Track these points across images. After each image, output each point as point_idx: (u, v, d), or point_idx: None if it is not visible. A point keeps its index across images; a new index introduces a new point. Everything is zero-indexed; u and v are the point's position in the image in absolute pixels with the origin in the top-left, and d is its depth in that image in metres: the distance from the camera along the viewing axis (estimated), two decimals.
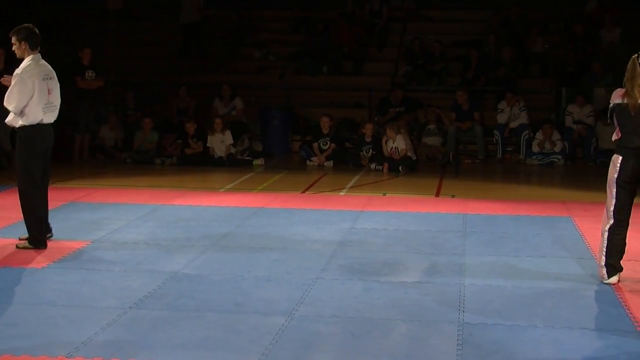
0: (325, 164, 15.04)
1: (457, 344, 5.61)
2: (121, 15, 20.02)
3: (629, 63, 6.93)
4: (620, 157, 6.90)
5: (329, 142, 15.28)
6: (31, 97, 7.97)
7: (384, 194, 11.95)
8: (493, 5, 19.26)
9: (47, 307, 6.37)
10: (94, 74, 15.37)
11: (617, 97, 7.00)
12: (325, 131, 15.42)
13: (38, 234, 8.19)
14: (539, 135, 15.42)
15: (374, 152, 14.86)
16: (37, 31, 8.16)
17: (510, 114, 15.99)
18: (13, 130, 13.59)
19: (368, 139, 15.12)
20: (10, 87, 7.99)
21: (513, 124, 15.93)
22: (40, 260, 7.70)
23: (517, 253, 8.13)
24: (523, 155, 15.65)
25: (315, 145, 15.33)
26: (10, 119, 8.11)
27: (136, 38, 19.68)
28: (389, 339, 5.77)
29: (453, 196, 11.66)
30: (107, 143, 16.02)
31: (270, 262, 7.78)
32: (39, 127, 8.09)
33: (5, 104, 8.00)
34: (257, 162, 15.11)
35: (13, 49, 8.12)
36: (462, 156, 15.76)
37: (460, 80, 17.43)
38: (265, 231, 9.10)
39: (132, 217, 9.74)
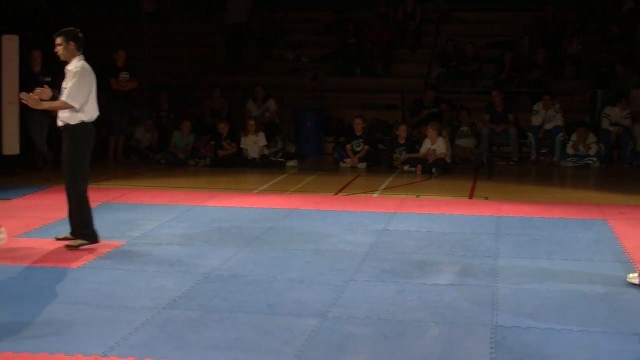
0: (358, 165, 15.03)
1: (491, 347, 5.58)
2: (156, 17, 20.17)
3: None
4: None
5: (362, 144, 15.27)
6: (90, 93, 8.13)
7: (418, 196, 11.92)
8: (527, 6, 19.15)
9: (82, 306, 6.43)
10: (128, 76, 15.48)
11: None
12: (358, 133, 15.40)
13: (93, 228, 8.29)
14: (574, 138, 15.30)
15: (407, 154, 14.82)
16: (82, 36, 8.24)
17: (546, 116, 15.88)
18: (50, 132, 13.77)
19: (402, 141, 15.08)
20: (69, 86, 8.04)
21: (548, 126, 15.82)
22: (75, 260, 7.76)
23: (551, 256, 8.07)
24: (558, 158, 15.54)
25: (348, 147, 15.32)
26: (66, 116, 8.13)
27: (170, 40, 19.80)
28: (421, 342, 5.75)
29: (487, 198, 11.61)
30: (142, 145, 16.13)
31: (303, 263, 7.79)
32: (91, 124, 8.24)
33: (68, 101, 8.02)
34: (290, 163, 15.13)
35: (57, 50, 8.16)
36: (496, 158, 15.68)
37: (494, 82, 17.34)
38: (299, 233, 9.10)
39: (167, 218, 9.80)
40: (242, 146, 15.24)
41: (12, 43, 12.96)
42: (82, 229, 8.28)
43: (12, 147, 13.19)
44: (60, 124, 8.22)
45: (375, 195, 12.00)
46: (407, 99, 17.44)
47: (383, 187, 12.80)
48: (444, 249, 8.39)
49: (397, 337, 5.79)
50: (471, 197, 11.89)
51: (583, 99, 17.29)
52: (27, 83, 13.31)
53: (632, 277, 7.14)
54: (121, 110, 15.57)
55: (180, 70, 18.86)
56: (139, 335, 5.77)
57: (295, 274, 7.39)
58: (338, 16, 19.74)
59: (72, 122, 8.14)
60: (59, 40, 8.15)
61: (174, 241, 8.64)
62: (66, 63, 8.22)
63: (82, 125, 8.16)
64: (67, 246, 8.20)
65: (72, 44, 8.15)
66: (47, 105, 8.22)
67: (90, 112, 8.20)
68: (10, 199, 10.96)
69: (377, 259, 7.95)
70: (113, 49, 15.88)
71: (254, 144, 15.22)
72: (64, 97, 8.08)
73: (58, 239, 8.42)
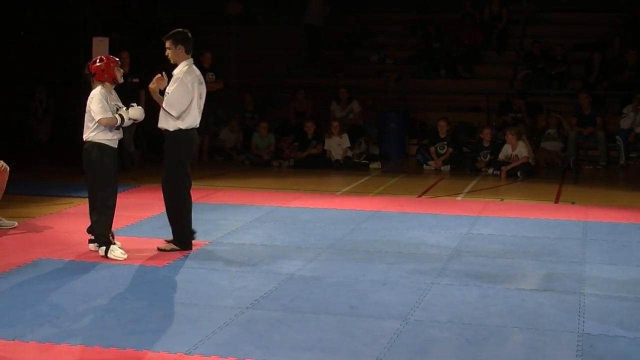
0: (442, 168, 14.92)
1: (577, 355, 5.48)
2: (242, 19, 20.38)
3: None
4: None
5: (446, 146, 15.16)
6: (191, 101, 8.11)
7: (502, 200, 11.78)
8: (616, 6, 18.74)
9: (167, 304, 6.54)
10: (213, 77, 15.67)
11: None
12: (442, 135, 15.30)
13: (187, 235, 8.31)
14: None
15: (491, 157, 14.66)
16: (190, 36, 8.26)
17: (635, 118, 15.52)
18: (137, 131, 14.04)
19: (486, 144, 14.91)
20: (170, 92, 8.04)
21: (639, 130, 15.45)
22: (160, 259, 7.89)
23: None
24: None
25: (432, 149, 15.23)
26: (164, 121, 8.15)
27: (256, 41, 19.97)
28: (504, 347, 5.68)
29: (573, 203, 11.40)
30: (227, 145, 16.30)
31: (385, 265, 7.77)
32: (193, 130, 8.25)
33: (166, 107, 8.04)
34: (373, 165, 15.12)
35: (167, 53, 8.18)
36: (583, 162, 15.38)
37: (581, 84, 17.02)
38: (381, 235, 9.09)
39: (250, 219, 9.89)
40: (325, 147, 15.29)
41: (102, 45, 13.23)
42: (177, 235, 8.28)
43: None
44: (159, 126, 8.25)
45: (458, 198, 11.91)
46: (491, 101, 17.26)
47: (467, 190, 12.69)
48: (529, 254, 8.27)
49: (479, 342, 5.74)
50: (557, 201, 11.69)
51: None
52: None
53: None
54: (206, 111, 15.68)
55: (265, 71, 19.02)
56: (222, 334, 5.84)
57: (378, 276, 7.38)
58: (422, 17, 19.65)
59: (170, 128, 8.15)
60: (167, 44, 8.15)
61: (257, 241, 8.71)
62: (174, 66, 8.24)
63: (179, 132, 8.13)
64: (159, 248, 8.26)
65: (181, 47, 8.14)
66: (155, 96, 8.17)
67: (189, 120, 8.14)
68: None
69: (460, 262, 7.89)
70: (200, 50, 16.10)
71: (337, 145, 15.25)
72: (163, 103, 8.08)
73: (167, 241, 8.43)
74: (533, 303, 6.62)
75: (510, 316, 6.29)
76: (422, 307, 6.48)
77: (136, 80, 13.45)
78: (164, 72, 8.19)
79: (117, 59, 8.13)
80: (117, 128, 7.96)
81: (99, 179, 7.91)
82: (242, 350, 5.51)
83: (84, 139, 7.99)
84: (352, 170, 14.67)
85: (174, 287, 7.01)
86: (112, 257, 7.83)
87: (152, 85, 8.13)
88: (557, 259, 8.07)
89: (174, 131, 8.13)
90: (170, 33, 8.20)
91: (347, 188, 12.73)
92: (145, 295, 6.80)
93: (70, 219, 9.76)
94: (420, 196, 12.01)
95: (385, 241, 8.76)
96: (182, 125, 8.11)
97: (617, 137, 15.51)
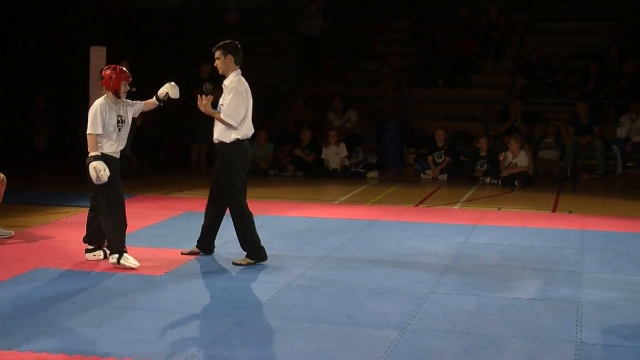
0: (439, 177, 14.94)
1: None
2: (240, 28, 20.38)
3: None
4: None
5: (443, 156, 15.17)
6: (246, 111, 8.10)
7: (499, 209, 11.79)
8: (614, 16, 18.78)
9: (165, 314, 6.53)
10: (211, 87, 15.67)
11: None
12: (439, 144, 15.32)
13: (260, 246, 8.24)
14: None
15: (488, 166, 14.68)
16: (240, 47, 8.21)
17: (632, 128, 15.55)
18: (135, 137, 14.00)
19: (483, 153, 14.93)
20: (226, 103, 8.02)
21: (636, 139, 15.48)
22: (158, 268, 7.88)
23: (638, 272, 7.88)
24: None
25: (429, 158, 15.25)
26: (220, 133, 8.09)
27: (254, 50, 19.94)
28: (502, 356, 5.68)
29: (570, 212, 11.41)
30: None
31: (383, 275, 7.77)
32: (247, 140, 8.21)
33: (225, 118, 7.98)
34: (371, 174, 15.12)
35: (216, 64, 8.14)
36: (580, 171, 15.39)
37: (579, 93, 17.04)
38: (379, 244, 9.09)
39: None
40: (322, 157, 15.30)
41: (99, 54, 13.23)
42: (249, 246, 8.22)
43: None
44: (215, 140, 8.16)
45: (456, 207, 11.91)
46: (489, 110, 17.28)
47: (464, 199, 12.70)
48: (527, 263, 8.27)
49: (477, 351, 5.73)
50: (554, 210, 11.70)
51: None
52: None
53: None
54: (204, 120, 15.74)
55: (263, 80, 19.01)
56: (219, 343, 5.83)
57: (375, 285, 7.38)
58: (420, 26, 19.67)
59: (227, 140, 8.07)
60: (217, 54, 8.10)
61: None
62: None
63: (236, 142, 8.08)
64: (234, 262, 8.15)
65: (230, 57, 8.09)
66: (210, 111, 8.13)
67: (244, 130, 8.10)
68: None
69: (458, 272, 7.89)
70: (199, 60, 16.11)
71: (335, 154, 15.26)
72: (222, 114, 8.03)
73: (183, 254, 8.41)
74: (531, 312, 6.62)
75: (508, 325, 6.29)
76: (420, 316, 6.48)
77: (134, 89, 13.42)
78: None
79: (130, 75, 8.10)
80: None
81: (99, 188, 7.90)
82: None
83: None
84: (349, 179, 14.68)
85: (171, 297, 7.00)
86: (126, 264, 7.83)
87: (204, 102, 8.07)
88: (555, 268, 8.07)
89: (231, 142, 8.07)
90: (221, 44, 8.15)
91: (345, 197, 12.74)
92: (142, 305, 6.79)
93: (67, 228, 9.75)
94: (417, 205, 12.01)
95: (382, 250, 8.76)
96: (239, 135, 8.08)
97: (614, 146, 15.52)
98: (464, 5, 19.30)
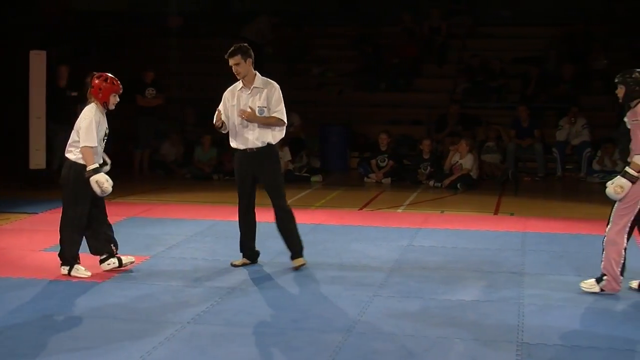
0: (383, 181, 15.01)
1: None
2: (183, 32, 20.26)
3: None
4: None
5: (387, 159, 15.26)
6: None
7: (442, 212, 11.89)
8: (553, 21, 19.08)
9: (108, 320, 6.45)
10: (154, 92, 15.60)
11: None
12: (383, 148, 15.40)
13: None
14: (600, 153, 15.22)
15: (432, 169, 14.80)
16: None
17: (570, 131, 15.81)
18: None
19: (426, 156, 15.07)
20: (274, 101, 7.95)
21: (575, 142, 15.74)
22: (100, 275, 7.79)
23: (578, 273, 8.00)
24: (584, 173, 15.45)
25: (373, 162, 15.32)
26: (268, 138, 8.00)
27: (197, 54, 19.88)
28: (446, 358, 5.73)
29: (512, 214, 11.55)
30: (168, 159, 16.20)
31: (327, 279, 7.78)
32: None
33: (282, 117, 7.97)
34: (315, 178, 15.14)
35: (236, 69, 7.96)
36: (521, 174, 15.60)
37: (519, 97, 17.27)
38: (323, 248, 9.10)
39: (191, 233, 9.82)
40: None
41: (39, 58, 13.08)
42: (299, 246, 8.21)
43: (39, 161, 13.30)
44: (258, 144, 7.99)
45: (399, 211, 11.98)
46: (432, 114, 17.42)
47: (407, 202, 12.78)
48: (469, 265, 8.35)
49: (421, 353, 5.77)
50: (496, 212, 11.84)
51: (610, 115, 17.16)
52: (54, 98, 13.46)
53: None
54: (147, 125, 15.68)
55: (207, 84, 18.91)
56: (163, 349, 5.78)
57: (320, 289, 7.39)
58: (363, 31, 19.75)
59: (273, 142, 8.03)
60: (235, 59, 7.91)
61: (199, 255, 8.67)
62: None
63: (277, 144, 8.14)
64: (294, 268, 8.12)
65: (250, 60, 7.97)
66: (262, 120, 7.96)
67: (282, 132, 8.13)
68: (36, 213, 11.03)
69: (402, 275, 7.93)
70: (141, 64, 15.99)
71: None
72: (277, 115, 7.95)
73: (234, 265, 8.30)
74: (474, 314, 6.68)
75: (452, 327, 6.34)
76: (365, 320, 6.50)
77: (74, 94, 13.28)
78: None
79: (120, 87, 7.92)
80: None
81: (69, 198, 7.77)
82: None
83: (66, 155, 7.83)
84: (293, 183, 14.62)
85: (114, 303, 6.92)
86: (76, 275, 7.71)
87: (249, 112, 7.93)
88: (497, 269, 8.16)
89: (275, 144, 8.10)
90: (236, 48, 7.94)
91: (289, 201, 12.61)
92: (85, 312, 6.70)
93: (6, 235, 9.59)
94: (361, 209, 12.05)
95: (327, 254, 8.77)
96: (281, 135, 8.10)
97: (554, 149, 15.77)
98: (406, 11, 19.44)
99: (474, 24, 19.90)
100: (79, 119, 7.78)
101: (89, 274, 7.75)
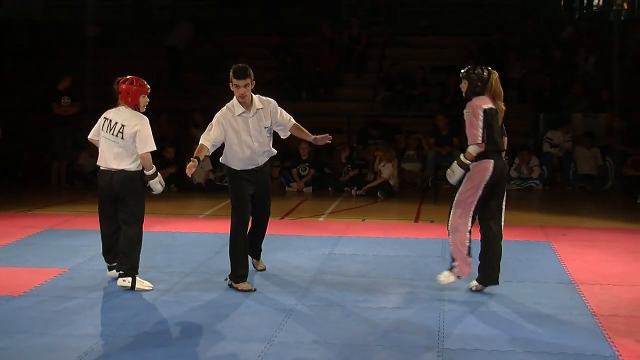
0: (304, 189, 15.05)
1: None
2: (100, 42, 20.00)
3: (494, 77, 7.58)
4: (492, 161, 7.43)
5: (308, 168, 15.30)
6: None
7: (363, 220, 11.95)
8: (471, 31, 19.40)
9: (24, 335, 6.30)
10: (69, 100, 15.35)
11: (485, 103, 7.54)
12: (304, 157, 15.44)
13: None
14: (517, 161, 15.51)
15: (354, 171, 15.01)
16: None
17: None
18: None
19: (344, 160, 15.43)
20: (282, 115, 8.27)
21: None
22: (16, 288, 7.62)
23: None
24: None
25: (294, 171, 15.35)
26: (270, 153, 8.27)
27: (114, 64, 19.63)
28: None
29: (432, 221, 11.68)
30: (86, 169, 15.94)
31: None
32: None
33: (292, 121, 8.34)
34: None
35: (244, 92, 7.91)
36: (441, 181, 15.76)
37: (438, 105, 17.49)
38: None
39: None
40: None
41: None
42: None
43: None
44: (265, 159, 8.18)
45: (321, 219, 12.01)
46: (352, 122, 17.52)
47: (329, 210, 12.82)
48: (390, 272, 8.41)
49: None
50: (417, 220, 11.95)
51: (526, 123, 17.51)
52: None
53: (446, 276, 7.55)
54: (64, 135, 15.40)
55: None
56: None
57: (242, 299, 7.35)
58: (282, 40, 19.78)
59: (273, 154, 8.29)
60: (247, 81, 7.86)
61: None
62: None
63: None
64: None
65: (254, 81, 7.96)
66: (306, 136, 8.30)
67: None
68: None
69: (324, 283, 7.94)
70: (57, 74, 15.72)
71: (199, 168, 15.07)
72: (290, 122, 8.30)
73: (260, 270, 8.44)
74: (395, 321, 6.72)
75: (373, 334, 6.37)
76: (287, 329, 6.49)
77: None
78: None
79: (148, 87, 7.88)
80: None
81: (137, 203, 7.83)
82: None
83: (115, 167, 7.71)
84: (214, 193, 14.59)
85: (30, 317, 6.77)
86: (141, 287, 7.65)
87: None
88: (418, 276, 8.23)
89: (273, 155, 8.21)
90: (245, 68, 7.89)
91: (210, 211, 12.65)
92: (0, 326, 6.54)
93: None
94: (283, 218, 12.04)
95: (249, 263, 8.72)
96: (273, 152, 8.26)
97: None
98: (326, 20, 19.54)
99: (393, 33, 20.10)
100: (132, 126, 7.80)
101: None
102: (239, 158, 7.91)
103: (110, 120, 7.81)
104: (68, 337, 6.26)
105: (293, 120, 8.23)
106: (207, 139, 7.88)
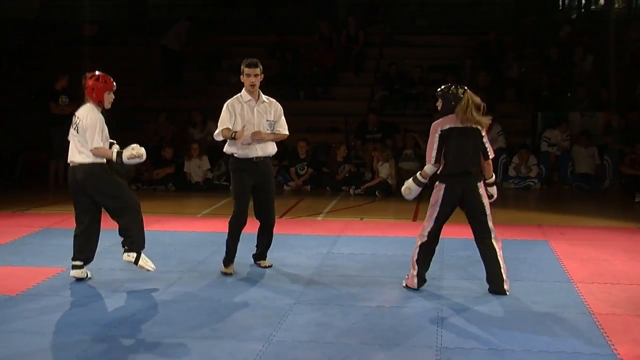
0: (302, 188, 15.04)
1: None
2: (97, 41, 19.98)
3: (467, 96, 7.40)
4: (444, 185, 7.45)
5: (305, 167, 15.29)
6: None
7: (361, 219, 11.95)
8: (469, 30, 19.40)
9: (21, 334, 6.30)
10: (67, 100, 15.33)
11: (449, 122, 7.45)
12: (302, 156, 15.44)
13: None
14: (515, 160, 15.52)
15: (352, 169, 15.01)
16: None
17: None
18: None
19: (340, 159, 15.45)
20: (282, 119, 8.36)
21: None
22: (14, 287, 7.61)
23: None
24: (500, 179, 15.71)
25: (292, 170, 15.34)
26: (270, 150, 8.30)
27: (112, 64, 19.58)
28: None
29: None
30: None
31: (247, 287, 7.74)
32: None
33: (286, 132, 8.39)
34: None
35: (254, 81, 8.23)
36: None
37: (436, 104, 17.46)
38: (242, 256, 9.02)
39: (108, 243, 9.63)
40: (185, 170, 15.17)
41: None
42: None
43: None
44: (261, 154, 8.19)
45: (319, 218, 12.01)
46: (350, 122, 17.52)
47: (327, 209, 12.81)
48: (388, 271, 8.40)
49: None
50: (415, 219, 11.95)
51: (524, 122, 17.53)
52: None
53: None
54: (61, 134, 15.31)
55: (122, 94, 18.65)
56: None
57: (240, 298, 7.35)
58: (280, 39, 19.76)
59: (273, 152, 8.39)
60: (257, 70, 8.24)
61: (116, 266, 8.52)
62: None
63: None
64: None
65: (262, 76, 8.20)
66: (271, 137, 8.27)
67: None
68: None
69: (322, 282, 7.94)
70: (53, 73, 15.70)
71: (197, 167, 15.14)
72: (283, 129, 8.33)
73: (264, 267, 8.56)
74: (393, 320, 6.72)
75: (372, 333, 6.36)
76: (285, 328, 6.48)
77: None
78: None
79: (114, 84, 7.88)
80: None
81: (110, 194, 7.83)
82: None
83: (74, 160, 7.72)
84: (212, 192, 14.59)
85: (27, 316, 6.76)
86: (144, 266, 7.74)
87: (259, 134, 8.10)
88: None
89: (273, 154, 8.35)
90: (255, 60, 8.30)
91: (208, 210, 12.64)
92: None
93: None
94: (281, 217, 12.01)
95: (246, 263, 8.72)
96: (275, 149, 8.42)
97: None
98: (323, 19, 19.52)
99: (391, 33, 20.09)
100: (80, 119, 7.76)
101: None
102: (235, 142, 8.20)
103: (75, 116, 7.80)
104: (66, 336, 6.25)
105: (283, 131, 8.38)
106: (222, 122, 8.40)
